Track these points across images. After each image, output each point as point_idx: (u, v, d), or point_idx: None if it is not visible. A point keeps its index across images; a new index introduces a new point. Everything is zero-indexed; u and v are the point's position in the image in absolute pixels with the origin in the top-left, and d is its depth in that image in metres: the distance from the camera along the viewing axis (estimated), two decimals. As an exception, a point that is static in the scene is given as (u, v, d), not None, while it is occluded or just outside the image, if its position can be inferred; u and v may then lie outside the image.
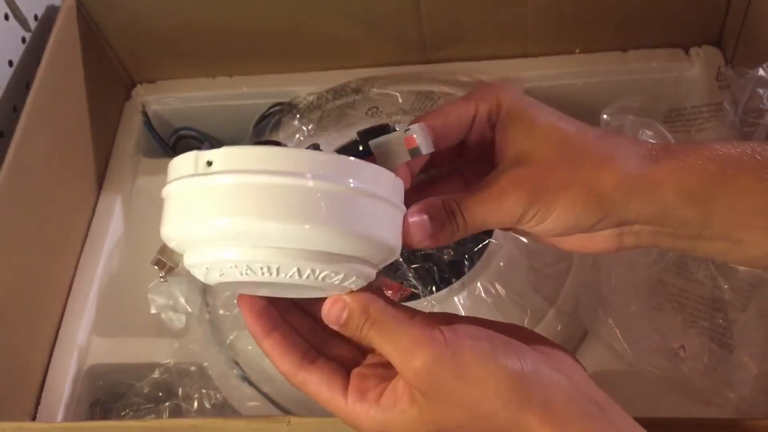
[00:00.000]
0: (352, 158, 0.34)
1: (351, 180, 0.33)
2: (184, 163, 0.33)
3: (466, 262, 0.63)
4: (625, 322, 0.59)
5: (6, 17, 0.68)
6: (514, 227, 0.38)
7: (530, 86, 0.76)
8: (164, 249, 0.38)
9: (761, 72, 0.63)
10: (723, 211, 0.37)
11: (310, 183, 0.32)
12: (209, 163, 0.32)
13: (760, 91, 0.62)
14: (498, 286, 0.60)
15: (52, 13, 0.74)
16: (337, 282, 0.35)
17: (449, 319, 0.38)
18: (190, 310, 0.66)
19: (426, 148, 0.38)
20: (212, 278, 0.35)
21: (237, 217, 0.32)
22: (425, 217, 0.37)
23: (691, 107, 0.70)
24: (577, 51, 0.76)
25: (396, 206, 0.36)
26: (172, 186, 0.33)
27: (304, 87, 0.78)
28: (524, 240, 0.63)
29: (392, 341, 0.36)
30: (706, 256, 0.39)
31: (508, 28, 0.74)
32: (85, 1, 0.74)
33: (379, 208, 0.34)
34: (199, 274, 0.35)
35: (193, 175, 0.32)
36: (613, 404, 0.36)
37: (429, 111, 0.40)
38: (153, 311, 0.66)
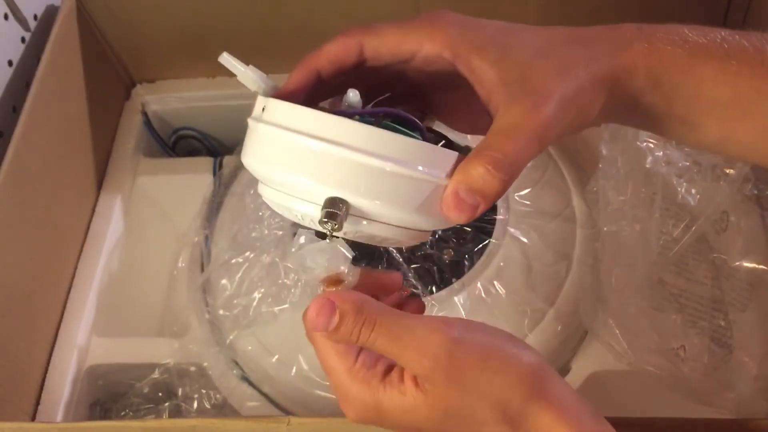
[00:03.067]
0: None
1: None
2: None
3: (466, 262, 0.63)
4: (625, 322, 0.59)
5: (6, 17, 0.68)
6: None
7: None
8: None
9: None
10: (685, 99, 0.38)
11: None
12: None
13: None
14: (498, 286, 0.60)
15: (51, 12, 0.74)
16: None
17: (440, 318, 0.37)
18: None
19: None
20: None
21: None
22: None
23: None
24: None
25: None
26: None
27: (304, 86, 0.78)
28: (524, 240, 0.63)
29: (402, 336, 0.35)
30: (664, 136, 0.41)
31: (509, 27, 0.73)
32: (85, 1, 0.74)
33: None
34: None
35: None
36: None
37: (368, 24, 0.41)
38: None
